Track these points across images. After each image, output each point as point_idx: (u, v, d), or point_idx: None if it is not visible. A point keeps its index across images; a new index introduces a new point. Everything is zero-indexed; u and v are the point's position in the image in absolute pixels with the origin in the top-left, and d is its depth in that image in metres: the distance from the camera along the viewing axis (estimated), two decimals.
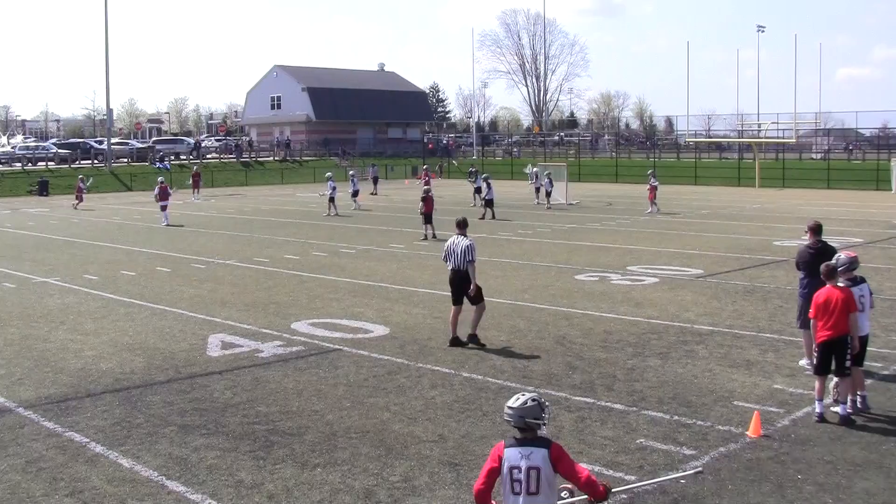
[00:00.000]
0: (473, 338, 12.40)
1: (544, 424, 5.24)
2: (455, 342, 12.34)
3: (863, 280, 9.55)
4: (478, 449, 8.19)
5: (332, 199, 35.13)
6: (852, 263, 9.47)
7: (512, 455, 5.19)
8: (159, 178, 35.54)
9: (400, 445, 8.42)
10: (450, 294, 12.65)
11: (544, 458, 5.14)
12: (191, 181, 47.17)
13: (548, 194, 37.64)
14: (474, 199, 37.95)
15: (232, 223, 32.60)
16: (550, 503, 5.22)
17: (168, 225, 31.55)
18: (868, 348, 9.67)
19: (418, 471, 7.78)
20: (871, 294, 9.60)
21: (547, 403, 5.29)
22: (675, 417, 9.18)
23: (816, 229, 11.11)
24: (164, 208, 32.49)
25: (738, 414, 9.25)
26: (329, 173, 38.49)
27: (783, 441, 8.44)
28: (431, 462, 7.98)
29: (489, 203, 32.76)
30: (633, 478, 7.47)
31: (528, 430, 5.21)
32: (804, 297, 10.67)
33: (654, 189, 34.74)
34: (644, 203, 36.29)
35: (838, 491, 7.28)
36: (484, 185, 33.53)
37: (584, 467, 5.27)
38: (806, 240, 11.27)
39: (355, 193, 38.08)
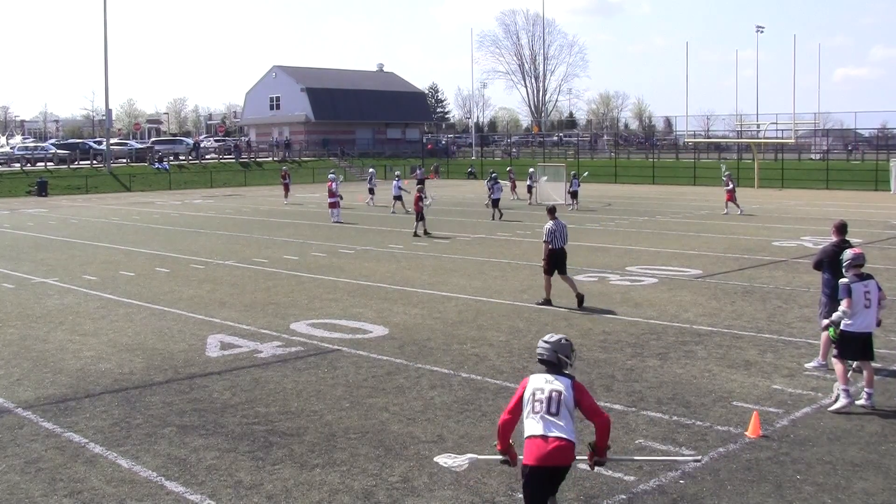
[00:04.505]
0: (582, 298, 15.08)
1: (571, 365, 5.71)
2: (548, 303, 15.33)
3: (870, 276, 9.54)
4: (477, 449, 8.18)
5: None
6: (856, 258, 9.51)
7: (536, 379, 5.57)
8: (330, 175, 34.34)
9: (399, 446, 8.42)
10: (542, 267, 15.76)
11: (567, 386, 5.51)
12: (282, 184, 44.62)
13: (574, 195, 37.59)
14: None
15: (231, 223, 32.59)
16: (570, 428, 5.45)
17: (337, 222, 31.61)
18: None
19: (417, 471, 7.78)
20: (879, 290, 9.55)
21: (574, 346, 5.87)
22: (674, 418, 9.18)
23: (841, 228, 11.06)
24: (333, 205, 32.42)
25: (737, 414, 9.25)
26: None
27: (782, 441, 8.45)
28: (430, 462, 7.97)
29: (495, 203, 32.90)
30: (631, 478, 7.48)
31: (556, 365, 5.60)
32: (829, 297, 10.64)
33: (731, 191, 33.52)
34: (722, 204, 34.72)
35: (837, 491, 7.28)
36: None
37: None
38: (832, 239, 11.12)
39: (371, 191, 40.98)
